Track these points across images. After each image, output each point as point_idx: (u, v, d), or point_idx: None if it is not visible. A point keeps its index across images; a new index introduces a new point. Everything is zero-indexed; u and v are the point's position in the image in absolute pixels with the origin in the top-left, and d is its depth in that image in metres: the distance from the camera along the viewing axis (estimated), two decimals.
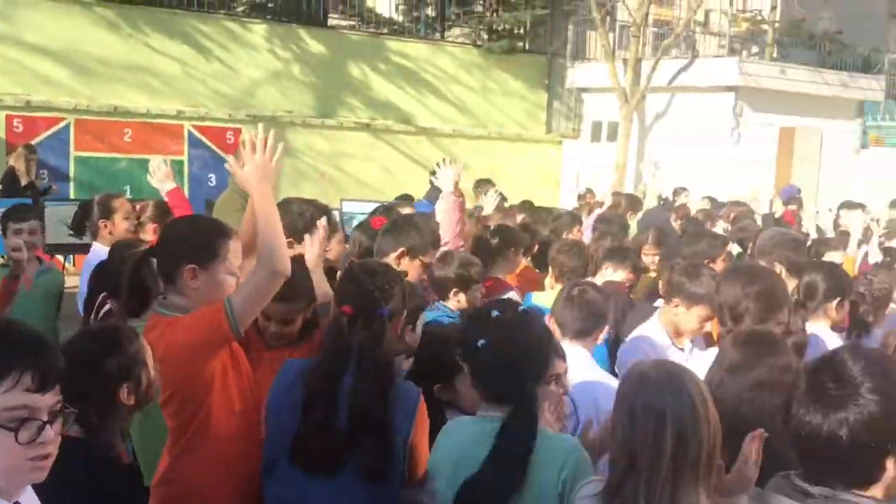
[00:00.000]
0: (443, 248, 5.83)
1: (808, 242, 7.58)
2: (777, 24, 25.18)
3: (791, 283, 5.12)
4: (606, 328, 4.26)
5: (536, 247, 7.53)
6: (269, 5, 19.88)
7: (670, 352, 4.70)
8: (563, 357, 3.49)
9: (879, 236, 8.27)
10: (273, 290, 3.38)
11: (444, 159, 6.27)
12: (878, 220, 9.01)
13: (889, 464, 2.20)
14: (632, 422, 2.53)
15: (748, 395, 3.18)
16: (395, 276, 3.54)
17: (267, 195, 3.41)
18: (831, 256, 6.92)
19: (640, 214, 10.71)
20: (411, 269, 4.68)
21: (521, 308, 3.23)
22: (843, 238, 8.21)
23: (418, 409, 3.28)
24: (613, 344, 5.14)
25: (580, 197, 14.41)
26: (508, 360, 3.04)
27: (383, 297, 3.35)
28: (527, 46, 22.51)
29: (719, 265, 6.40)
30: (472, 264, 5.22)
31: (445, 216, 5.83)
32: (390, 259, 4.69)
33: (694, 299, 4.72)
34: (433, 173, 10.93)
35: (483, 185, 12.37)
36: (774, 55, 23.78)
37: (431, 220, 5.54)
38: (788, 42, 24.91)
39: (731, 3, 23.00)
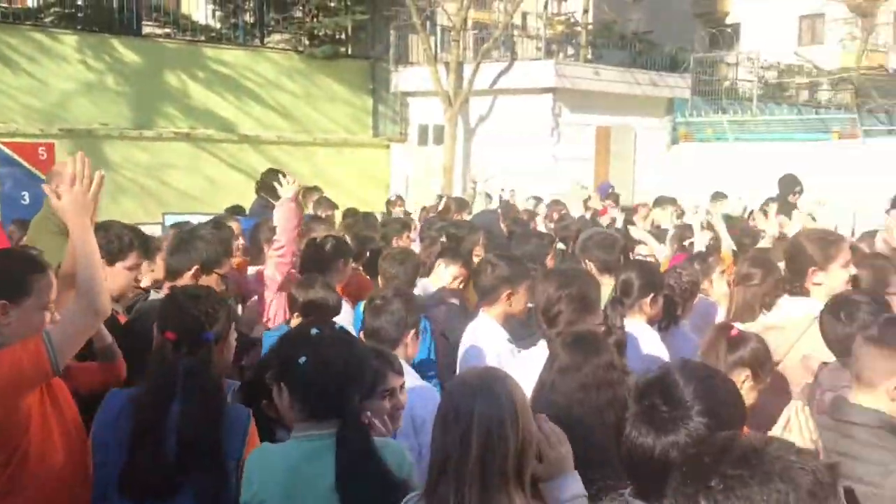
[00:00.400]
0: (282, 251, 5.77)
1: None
2: (590, 27, 26.13)
3: (604, 281, 5.34)
4: (413, 332, 4.30)
5: (368, 254, 7.54)
6: (79, 15, 19.14)
7: (507, 346, 4.83)
8: (399, 371, 3.52)
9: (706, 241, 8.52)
10: (93, 328, 3.36)
11: (285, 177, 6.22)
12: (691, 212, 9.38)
13: None
14: (444, 426, 2.62)
15: (578, 395, 3.29)
16: (218, 299, 3.52)
17: (85, 229, 3.32)
18: (641, 250, 7.20)
19: (468, 216, 10.84)
20: (209, 283, 4.62)
21: (338, 326, 3.25)
22: (657, 233, 8.55)
23: (249, 430, 3.29)
24: None
25: (389, 203, 14.42)
26: (330, 376, 3.03)
27: (208, 322, 3.36)
28: (349, 51, 22.52)
29: (549, 263, 6.60)
30: (325, 299, 5.16)
31: (283, 221, 5.80)
32: (186, 278, 4.63)
33: (515, 281, 4.97)
34: (260, 182, 10.82)
35: (310, 192, 12.28)
36: (589, 56, 24.66)
37: (218, 231, 5.51)
38: (601, 43, 25.87)
39: (545, 7, 23.69)
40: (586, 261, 5.84)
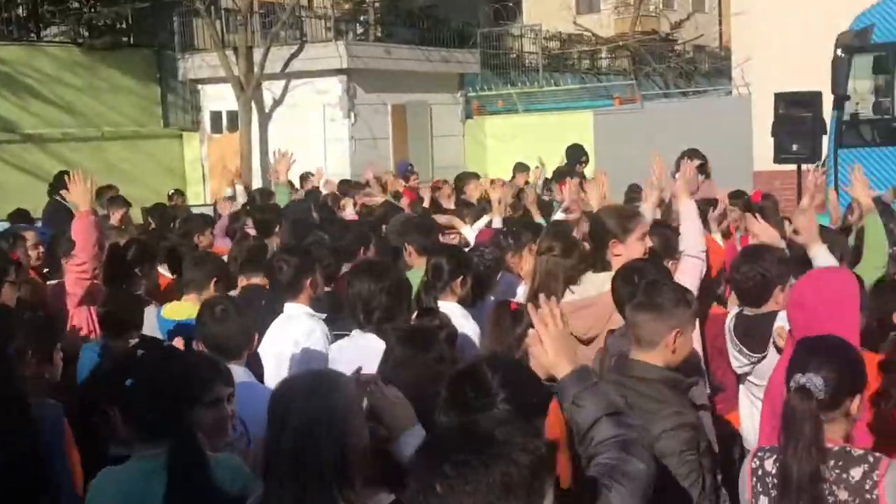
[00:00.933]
0: (83, 266, 5.62)
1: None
2: (377, 5, 26.28)
3: (422, 263, 5.50)
4: (257, 337, 4.32)
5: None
6: None
7: (325, 327, 4.93)
8: (228, 382, 3.55)
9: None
10: None
11: (69, 173, 5.99)
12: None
13: None
14: (267, 429, 2.73)
15: (413, 389, 3.42)
16: (13, 315, 3.52)
17: None
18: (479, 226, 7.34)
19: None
20: (6, 295, 4.56)
21: (165, 344, 3.28)
22: (467, 209, 8.72)
23: (62, 425, 3.38)
24: None
25: (169, 197, 14.08)
26: (159, 397, 3.06)
27: (2, 339, 3.40)
28: (132, 41, 21.77)
29: (372, 252, 6.67)
30: (126, 313, 5.06)
31: (82, 236, 5.63)
32: None
33: (310, 268, 5.11)
34: (52, 184, 10.36)
35: (106, 191, 11.84)
36: (378, 35, 24.83)
37: None
38: (390, 21, 26.09)
39: None
40: (405, 244, 6.02)
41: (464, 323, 4.87)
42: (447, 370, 3.41)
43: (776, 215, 7.15)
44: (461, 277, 5.10)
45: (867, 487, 2.97)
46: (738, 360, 4.61)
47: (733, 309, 4.85)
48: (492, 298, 5.67)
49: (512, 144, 20.25)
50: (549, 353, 2.56)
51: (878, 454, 3.06)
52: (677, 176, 5.64)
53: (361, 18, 26.14)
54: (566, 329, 2.62)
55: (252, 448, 3.51)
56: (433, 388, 3.37)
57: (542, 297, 2.73)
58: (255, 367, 4.55)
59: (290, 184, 12.08)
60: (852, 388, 3.10)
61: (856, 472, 3.00)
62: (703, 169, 10.12)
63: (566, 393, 2.53)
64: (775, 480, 3.09)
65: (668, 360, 3.52)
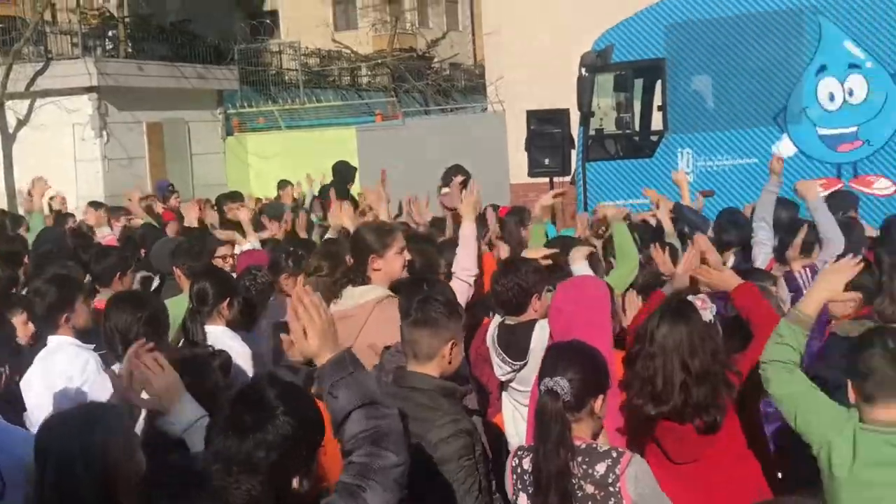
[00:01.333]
0: None
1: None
2: (127, 20, 25.37)
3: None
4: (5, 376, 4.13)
5: None
6: None
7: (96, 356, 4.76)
8: None
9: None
10: None
11: None
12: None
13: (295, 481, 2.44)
14: (34, 467, 2.71)
15: None
16: None
17: None
18: (220, 251, 7.24)
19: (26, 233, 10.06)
20: None
21: None
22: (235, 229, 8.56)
23: None
24: None
25: None
26: None
27: None
28: None
29: (129, 277, 6.46)
30: None
31: None
32: None
33: (72, 297, 4.99)
34: None
35: None
36: (130, 51, 23.99)
37: None
38: (141, 37, 25.27)
39: (78, 2, 22.68)
40: (174, 267, 5.94)
41: (232, 345, 4.84)
42: (223, 398, 3.40)
43: (518, 231, 7.48)
44: (227, 300, 5.06)
45: (610, 481, 3.24)
46: (501, 368, 4.82)
47: (495, 318, 5.07)
48: (265, 322, 5.66)
49: (275, 161, 20.15)
50: (313, 343, 2.61)
51: (621, 450, 3.35)
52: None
53: (110, 34, 25.11)
54: (331, 319, 2.67)
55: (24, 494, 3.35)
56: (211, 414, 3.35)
57: (307, 288, 2.81)
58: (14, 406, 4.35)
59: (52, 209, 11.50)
60: (595, 389, 3.38)
61: (600, 467, 3.27)
62: (467, 184, 10.50)
63: (323, 381, 2.58)
64: (532, 477, 3.31)
65: (444, 370, 3.70)
